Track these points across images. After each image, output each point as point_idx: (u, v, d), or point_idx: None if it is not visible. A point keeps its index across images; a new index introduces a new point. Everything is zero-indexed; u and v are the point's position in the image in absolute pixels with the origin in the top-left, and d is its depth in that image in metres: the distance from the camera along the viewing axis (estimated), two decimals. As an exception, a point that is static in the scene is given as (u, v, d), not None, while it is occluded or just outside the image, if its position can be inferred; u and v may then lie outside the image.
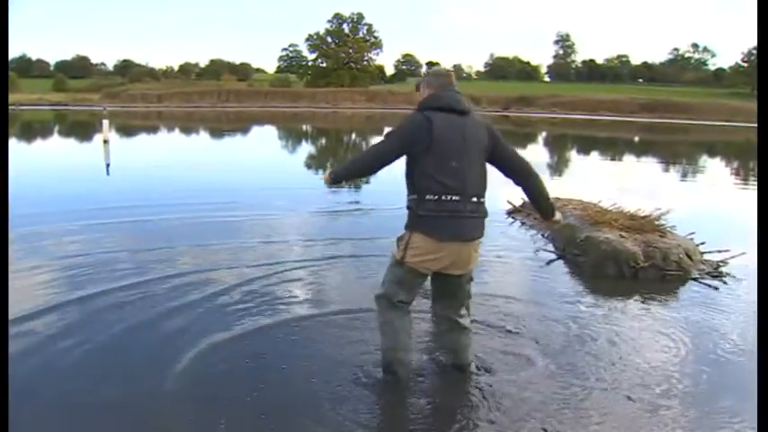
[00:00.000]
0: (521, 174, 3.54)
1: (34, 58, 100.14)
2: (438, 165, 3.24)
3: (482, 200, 3.38)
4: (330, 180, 3.52)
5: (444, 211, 3.24)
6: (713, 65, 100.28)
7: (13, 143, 23.15)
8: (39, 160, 17.55)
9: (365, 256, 6.44)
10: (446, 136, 3.27)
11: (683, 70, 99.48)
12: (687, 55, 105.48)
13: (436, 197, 3.24)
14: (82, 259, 6.07)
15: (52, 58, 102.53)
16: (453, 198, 3.25)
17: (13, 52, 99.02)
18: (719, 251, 6.51)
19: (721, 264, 6.33)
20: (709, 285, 5.85)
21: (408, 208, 3.38)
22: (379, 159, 3.40)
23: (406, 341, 3.59)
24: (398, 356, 3.57)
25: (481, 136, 3.39)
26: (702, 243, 6.69)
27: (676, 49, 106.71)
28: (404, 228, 3.42)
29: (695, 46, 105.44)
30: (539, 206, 3.71)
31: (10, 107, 49.03)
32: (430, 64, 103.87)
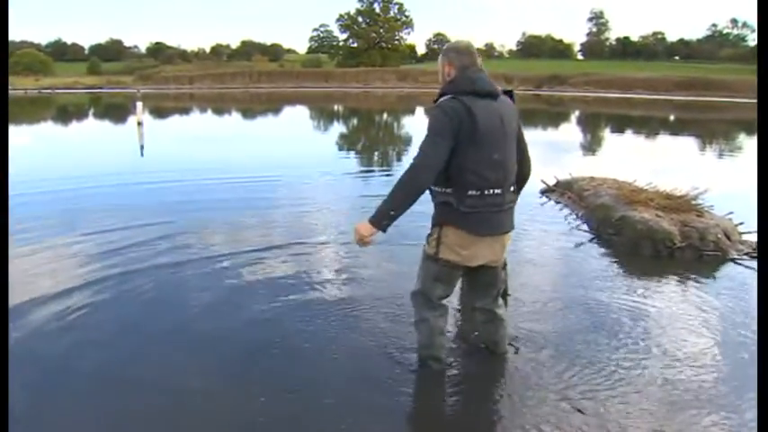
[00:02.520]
0: (524, 163, 3.37)
1: (69, 42, 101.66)
2: (481, 157, 3.04)
3: (515, 186, 3.28)
4: (383, 227, 3.08)
5: (487, 206, 3.09)
6: (753, 41, 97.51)
7: (49, 126, 23.62)
8: (75, 143, 17.88)
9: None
10: (489, 126, 3.04)
11: (721, 47, 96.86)
12: (726, 31, 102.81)
13: (479, 192, 3.06)
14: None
15: (86, 42, 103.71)
16: (496, 192, 3.10)
17: (49, 36, 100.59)
18: (759, 231, 6.37)
19: (761, 244, 6.19)
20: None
21: (442, 203, 3.16)
22: (438, 165, 3.01)
23: (441, 341, 3.54)
24: (433, 354, 3.53)
25: (515, 120, 3.24)
26: (741, 223, 6.55)
27: (714, 25, 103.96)
28: (432, 222, 3.26)
29: (734, 21, 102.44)
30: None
31: (46, 91, 50.32)
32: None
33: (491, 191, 3.08)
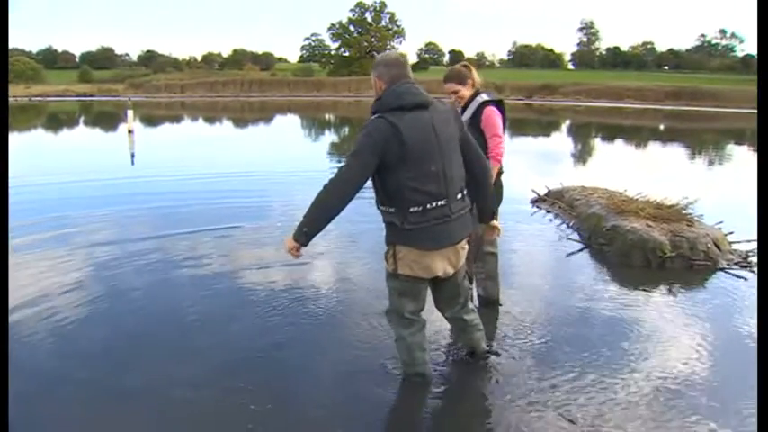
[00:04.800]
0: (477, 166, 3.29)
1: (60, 49, 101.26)
2: (416, 173, 3.00)
3: (465, 192, 3.22)
4: (302, 243, 3.09)
5: (432, 219, 3.05)
6: (741, 51, 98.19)
7: (40, 133, 23.51)
8: (66, 151, 17.79)
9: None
10: (419, 140, 2.99)
11: (710, 57, 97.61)
12: (714, 41, 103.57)
13: (421, 208, 3.02)
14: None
15: (77, 50, 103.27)
16: (439, 204, 3.06)
17: (39, 44, 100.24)
18: (748, 241, 6.40)
19: (750, 253, 6.23)
20: (738, 275, 5.77)
21: (389, 223, 3.14)
22: (352, 188, 3.01)
23: (422, 356, 3.50)
24: (416, 371, 3.52)
25: (451, 126, 3.16)
26: (731, 233, 6.59)
27: (703, 36, 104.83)
28: (385, 242, 3.22)
29: (723, 32, 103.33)
30: (481, 205, 3.49)
31: (36, 98, 50.13)
32: (453, 52, 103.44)
33: (434, 203, 3.05)
